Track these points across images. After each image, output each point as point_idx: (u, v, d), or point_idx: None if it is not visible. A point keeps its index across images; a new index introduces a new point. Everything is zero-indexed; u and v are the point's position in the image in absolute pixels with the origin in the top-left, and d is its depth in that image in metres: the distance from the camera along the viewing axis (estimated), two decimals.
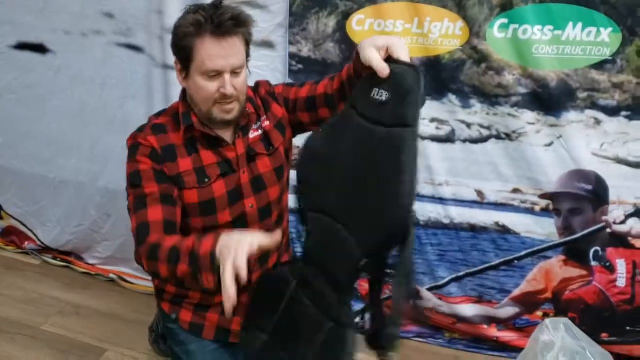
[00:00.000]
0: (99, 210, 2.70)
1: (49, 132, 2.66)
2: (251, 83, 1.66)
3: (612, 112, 2.05)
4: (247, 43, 1.53)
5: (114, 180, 2.59)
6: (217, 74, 1.49)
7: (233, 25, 1.46)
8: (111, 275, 2.78)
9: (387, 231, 1.24)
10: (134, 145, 1.57)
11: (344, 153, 1.36)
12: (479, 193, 2.22)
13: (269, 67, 2.25)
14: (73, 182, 2.71)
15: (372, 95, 1.30)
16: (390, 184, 1.23)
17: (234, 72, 1.50)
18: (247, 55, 1.54)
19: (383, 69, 1.30)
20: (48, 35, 2.51)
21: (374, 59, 1.31)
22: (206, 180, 1.58)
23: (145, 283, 2.68)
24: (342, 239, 1.33)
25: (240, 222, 1.64)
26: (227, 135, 1.61)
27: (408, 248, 1.22)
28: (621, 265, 2.18)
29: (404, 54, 1.31)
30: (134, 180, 1.55)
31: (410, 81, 1.26)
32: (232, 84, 1.50)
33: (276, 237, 1.30)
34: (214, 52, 1.46)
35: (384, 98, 1.29)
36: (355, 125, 1.34)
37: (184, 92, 1.61)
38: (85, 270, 2.83)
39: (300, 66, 2.21)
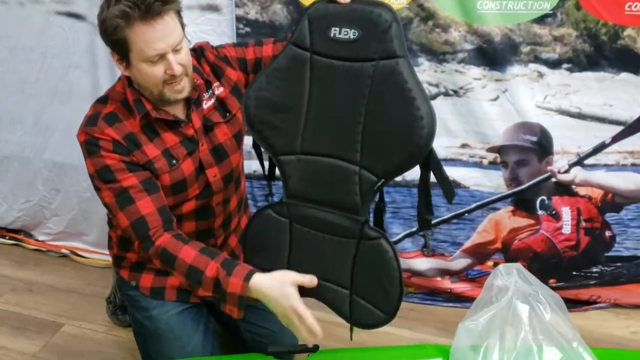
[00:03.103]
0: (47, 185, 2.64)
1: None
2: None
3: (553, 65, 2.11)
4: (179, 14, 1.48)
5: (61, 153, 2.53)
6: (160, 57, 1.44)
7: (161, 4, 1.40)
8: (63, 251, 2.73)
9: (414, 151, 1.31)
10: (91, 140, 1.50)
11: (317, 93, 1.38)
12: None
13: (215, 31, 2.21)
14: (18, 158, 2.64)
15: (332, 35, 1.32)
16: (404, 111, 1.29)
17: (175, 50, 1.45)
18: (182, 25, 1.49)
19: None
20: None
21: None
22: (174, 162, 1.56)
23: (99, 257, 2.65)
24: (343, 170, 1.37)
25: (206, 193, 1.64)
26: (179, 111, 1.58)
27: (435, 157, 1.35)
28: (566, 213, 2.27)
29: None
30: (105, 176, 1.49)
31: (384, 15, 1.29)
32: (178, 61, 1.46)
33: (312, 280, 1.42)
34: (150, 37, 1.41)
35: (351, 36, 1.31)
36: (321, 64, 1.35)
37: (127, 78, 1.55)
38: (36, 247, 2.77)
39: (247, 29, 2.19)
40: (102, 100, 1.57)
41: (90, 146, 1.50)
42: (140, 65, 1.45)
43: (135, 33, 1.41)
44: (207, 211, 1.68)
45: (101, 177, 1.50)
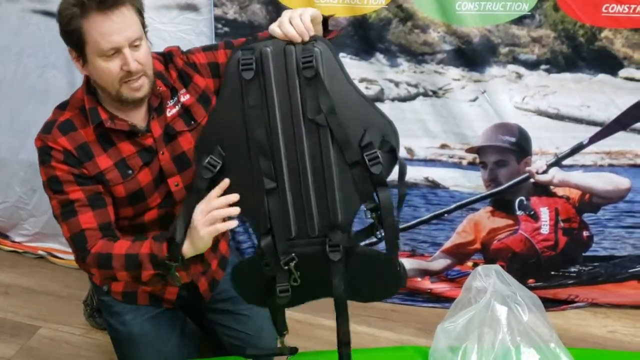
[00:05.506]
0: (24, 185, 2.61)
1: None
2: (161, 49, 1.61)
3: (532, 66, 2.12)
4: (140, 13, 1.44)
5: None
6: (116, 52, 1.39)
7: None
8: (40, 252, 2.70)
9: None
10: (44, 148, 1.47)
11: None
12: (409, 150, 2.26)
13: (194, 31, 2.20)
14: None
15: None
16: None
17: (133, 46, 1.41)
18: (144, 25, 1.45)
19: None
20: None
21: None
22: (129, 172, 1.52)
23: None
24: None
25: (168, 202, 1.60)
26: (139, 117, 1.53)
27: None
28: (544, 213, 2.28)
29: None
30: (54, 186, 1.47)
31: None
32: (135, 58, 1.41)
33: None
34: (105, 28, 1.36)
35: None
36: None
37: (87, 83, 1.51)
38: (12, 249, 2.74)
39: (226, 29, 2.17)
40: (62, 107, 1.54)
41: (43, 155, 1.48)
42: (96, 61, 1.40)
43: (91, 24, 1.36)
44: (172, 220, 1.63)
45: (50, 187, 1.48)
